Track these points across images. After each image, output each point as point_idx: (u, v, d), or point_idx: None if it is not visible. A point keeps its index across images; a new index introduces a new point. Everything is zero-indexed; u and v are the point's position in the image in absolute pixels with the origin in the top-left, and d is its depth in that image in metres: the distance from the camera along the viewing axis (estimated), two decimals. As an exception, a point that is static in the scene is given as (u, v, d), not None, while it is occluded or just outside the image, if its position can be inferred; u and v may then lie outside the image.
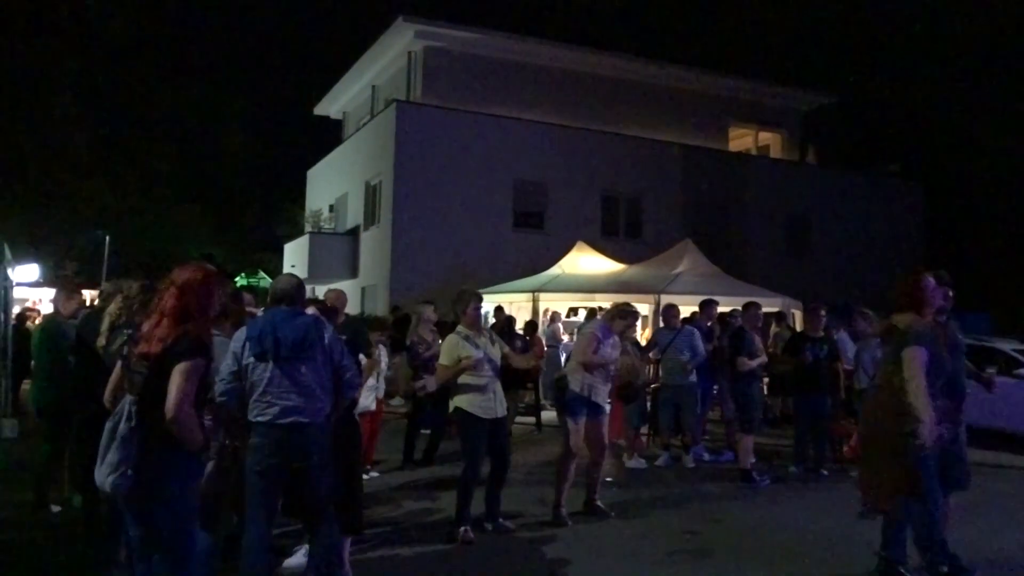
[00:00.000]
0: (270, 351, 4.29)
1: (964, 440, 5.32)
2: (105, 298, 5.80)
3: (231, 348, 4.36)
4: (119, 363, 3.70)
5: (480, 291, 11.14)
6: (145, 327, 3.51)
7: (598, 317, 7.75)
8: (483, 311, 6.65)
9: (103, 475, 3.33)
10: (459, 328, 6.21)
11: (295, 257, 21.88)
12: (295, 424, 4.28)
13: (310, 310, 4.95)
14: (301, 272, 20.54)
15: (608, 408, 6.89)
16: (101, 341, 4.91)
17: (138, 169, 28.67)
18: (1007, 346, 11.17)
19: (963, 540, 5.42)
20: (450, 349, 6.08)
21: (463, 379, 6.01)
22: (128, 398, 3.41)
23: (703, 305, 10.09)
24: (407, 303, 15.80)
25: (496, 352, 6.18)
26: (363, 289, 20.07)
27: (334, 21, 54.55)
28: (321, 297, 6.84)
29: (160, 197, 29.46)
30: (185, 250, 30.31)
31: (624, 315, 6.90)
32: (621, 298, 13.12)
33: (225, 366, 4.29)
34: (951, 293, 5.42)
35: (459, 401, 6.05)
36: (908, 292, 4.93)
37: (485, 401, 6.01)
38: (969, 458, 5.41)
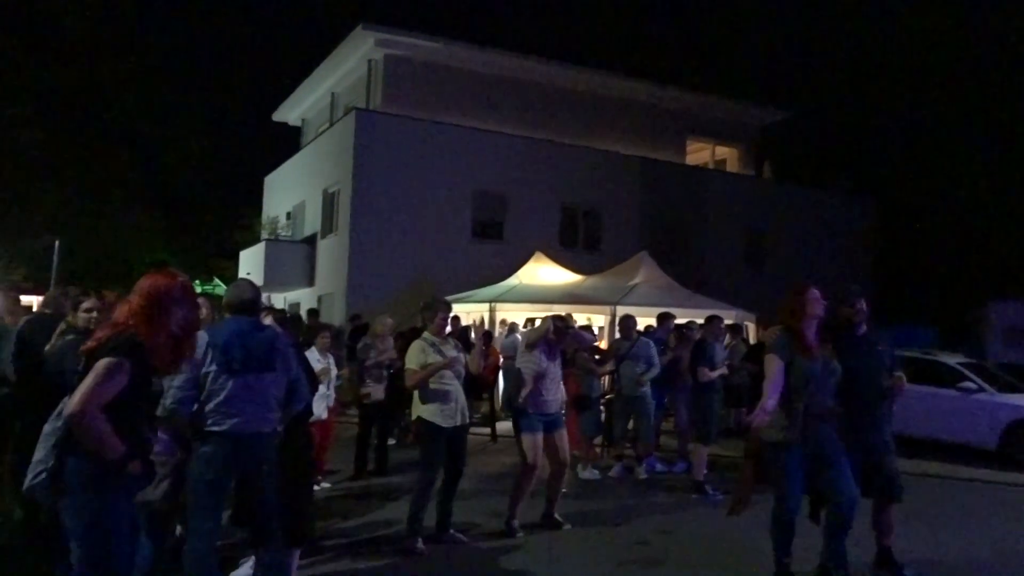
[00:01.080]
0: (236, 362, 4.23)
1: (885, 449, 5.38)
2: (48, 304, 5.69)
3: None
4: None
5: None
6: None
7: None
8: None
9: (29, 477, 3.21)
10: (425, 335, 6.19)
11: (251, 264, 21.61)
12: (251, 435, 4.24)
13: (268, 319, 4.90)
14: (257, 280, 20.29)
15: (563, 420, 6.88)
16: (49, 349, 4.79)
17: (91, 172, 28.10)
18: (952, 360, 11.43)
19: (904, 548, 5.53)
20: (417, 354, 6.05)
21: (427, 386, 5.98)
22: (66, 398, 3.25)
23: (661, 317, 10.16)
24: (365, 312, 15.72)
25: (460, 359, 6.18)
26: (320, 298, 19.90)
27: (294, 27, 54.24)
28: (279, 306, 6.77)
29: (113, 201, 28.89)
30: (138, 255, 29.79)
31: (558, 328, 6.81)
32: (578, 309, 13.28)
33: (183, 373, 4.17)
34: (863, 306, 5.51)
35: (421, 410, 6.03)
36: (791, 303, 5.14)
37: (447, 409, 5.99)
38: (900, 468, 5.51)
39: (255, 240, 23.62)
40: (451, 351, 6.13)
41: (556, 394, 6.71)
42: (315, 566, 5.42)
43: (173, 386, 4.20)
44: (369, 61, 20.98)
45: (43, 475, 3.13)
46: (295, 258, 20.97)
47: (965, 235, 27.27)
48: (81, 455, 3.14)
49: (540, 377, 6.54)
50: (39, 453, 3.18)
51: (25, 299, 17.64)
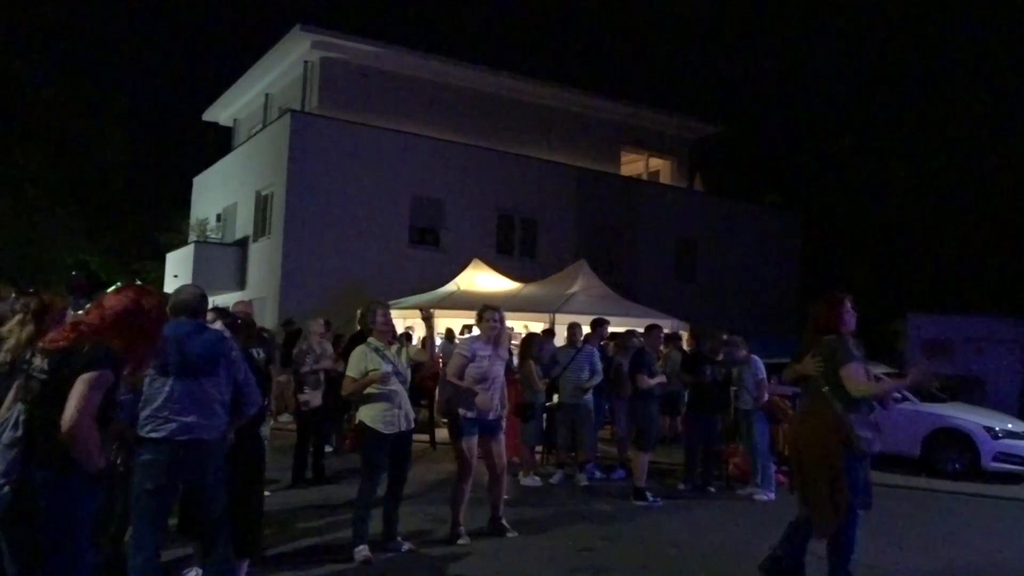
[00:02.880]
0: (173, 365, 4.10)
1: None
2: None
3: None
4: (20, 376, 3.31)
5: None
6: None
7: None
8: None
9: None
10: (369, 340, 6.07)
11: (179, 267, 21.02)
12: (192, 441, 4.11)
13: (217, 324, 4.76)
14: (185, 282, 19.75)
15: (503, 425, 6.78)
16: (5, 356, 4.49)
17: (9, 169, 26.96)
18: (878, 370, 11.80)
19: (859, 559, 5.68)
20: (357, 361, 5.94)
21: (369, 390, 5.88)
22: (19, 406, 3.08)
23: (594, 324, 10.24)
24: (298, 317, 15.45)
25: (404, 362, 6.07)
26: (251, 302, 19.43)
27: (228, 25, 53.10)
28: (231, 309, 6.55)
29: (30, 199, 27.77)
30: (58, 256, 28.68)
31: (482, 318, 6.57)
32: (517, 317, 13.29)
33: None
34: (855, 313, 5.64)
35: (363, 415, 5.92)
36: (828, 314, 5.10)
37: (389, 415, 5.88)
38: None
39: (182, 242, 23.00)
40: (393, 355, 6.02)
41: (496, 400, 6.53)
42: (259, 574, 5.28)
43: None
44: (305, 63, 20.68)
45: (5, 488, 2.95)
46: (225, 261, 20.48)
47: (885, 250, 28.35)
48: (51, 467, 3.00)
49: (481, 380, 6.43)
50: None
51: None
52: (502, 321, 6.62)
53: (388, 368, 5.86)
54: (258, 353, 5.67)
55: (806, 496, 5.07)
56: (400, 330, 12.40)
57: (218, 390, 4.24)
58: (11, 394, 3.35)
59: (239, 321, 5.18)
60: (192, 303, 4.41)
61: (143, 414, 4.12)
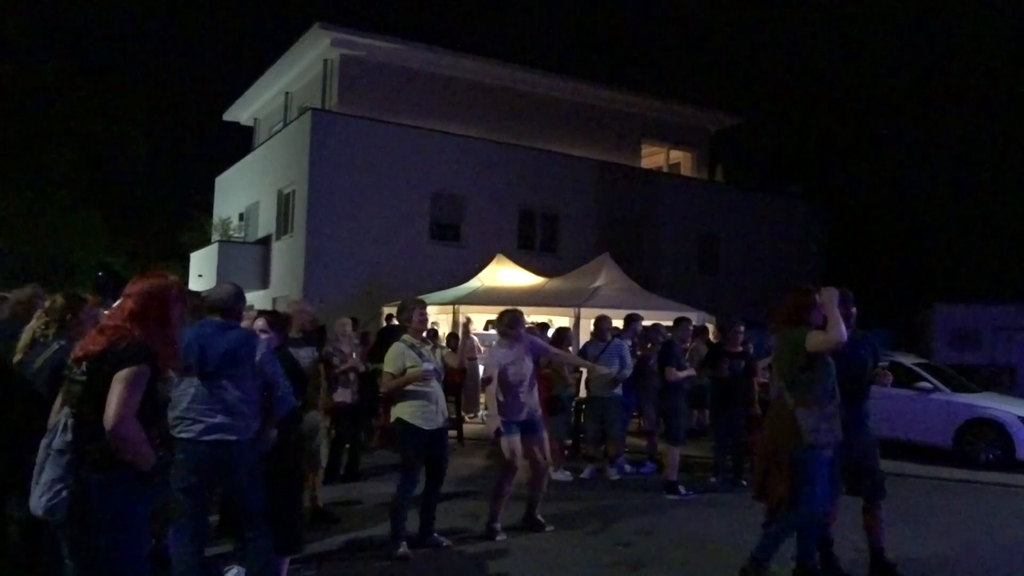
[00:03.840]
0: (195, 366, 4.12)
1: (873, 447, 5.50)
2: (16, 308, 5.43)
3: None
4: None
5: (398, 303, 10.93)
6: (87, 336, 3.26)
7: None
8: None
9: (36, 497, 3.01)
10: (404, 337, 6.09)
11: (203, 266, 21.16)
12: (219, 442, 4.13)
13: (259, 322, 4.78)
14: (209, 281, 19.89)
15: (543, 424, 6.78)
16: (19, 356, 4.56)
17: (33, 172, 27.25)
18: (908, 360, 11.72)
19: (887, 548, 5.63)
20: (395, 358, 5.95)
21: (406, 388, 5.90)
22: (65, 410, 3.11)
23: (628, 319, 10.21)
24: (321, 314, 15.50)
25: (439, 360, 6.10)
26: (275, 300, 19.56)
27: (247, 25, 53.33)
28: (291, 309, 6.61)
29: (56, 201, 28.06)
30: (81, 257, 28.96)
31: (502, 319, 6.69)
32: (541, 311, 13.28)
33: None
34: (854, 309, 5.60)
35: (400, 411, 5.93)
36: (798, 307, 5.10)
37: (427, 411, 5.90)
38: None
39: (205, 242, 23.15)
40: (429, 352, 6.05)
41: (530, 398, 6.57)
42: (300, 570, 5.31)
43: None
44: (325, 61, 20.73)
45: (63, 493, 2.97)
46: (248, 260, 20.59)
47: (911, 239, 28.07)
48: (104, 470, 3.01)
49: (518, 383, 6.46)
50: (52, 471, 2.99)
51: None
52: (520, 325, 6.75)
53: (429, 367, 5.88)
54: (313, 352, 5.74)
55: (763, 486, 5.18)
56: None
57: (244, 390, 4.22)
58: (59, 399, 3.37)
59: (281, 318, 5.21)
60: (226, 301, 4.41)
61: (171, 415, 4.15)
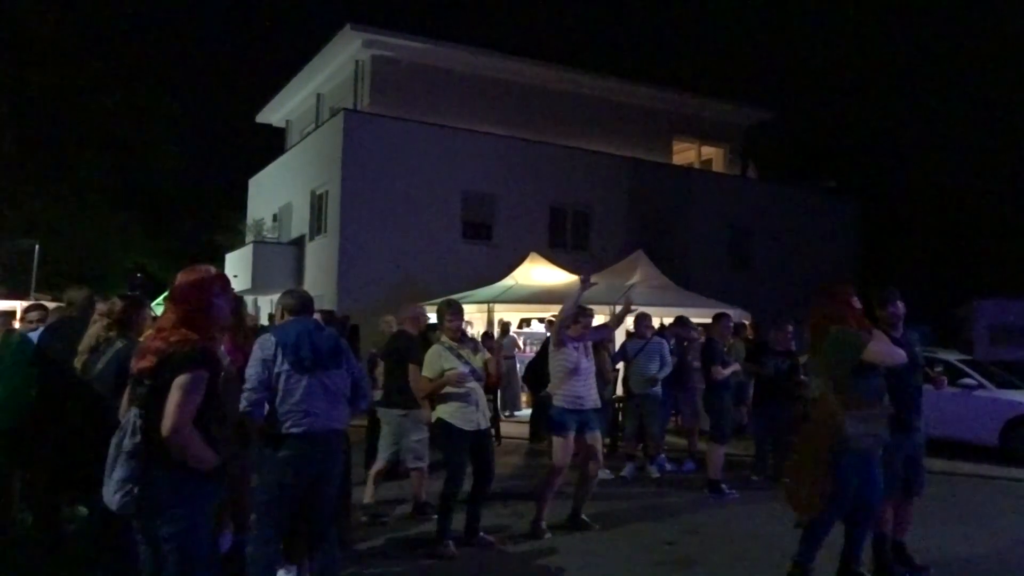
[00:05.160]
0: (308, 359, 4.23)
1: (922, 447, 5.45)
2: (72, 308, 5.53)
3: (260, 356, 4.21)
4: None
5: (431, 302, 10.99)
6: (143, 340, 3.32)
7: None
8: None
9: (110, 493, 3.14)
10: (442, 339, 6.11)
11: (238, 267, 21.37)
12: (330, 432, 4.25)
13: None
14: (245, 282, 20.11)
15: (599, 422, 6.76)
16: (82, 358, 4.65)
17: (70, 175, 27.69)
18: (951, 356, 11.54)
19: (917, 546, 5.57)
20: (433, 361, 5.98)
21: (446, 389, 5.91)
22: (133, 411, 3.19)
23: (675, 322, 10.19)
24: (354, 314, 15.60)
25: (478, 361, 6.10)
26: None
27: (278, 28, 53.78)
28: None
29: (92, 204, 28.49)
30: (118, 259, 29.38)
31: (578, 318, 6.70)
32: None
33: (254, 375, 4.15)
34: (901, 304, 5.52)
35: (441, 412, 5.95)
36: (840, 304, 4.99)
37: (468, 412, 5.91)
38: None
39: (239, 243, 23.37)
40: (468, 354, 6.06)
41: (590, 390, 6.56)
42: (347, 567, 5.32)
43: (246, 387, 4.16)
44: (356, 62, 20.84)
45: (134, 492, 3.09)
46: (282, 260, 20.77)
47: (949, 233, 27.61)
48: (170, 469, 3.12)
49: (573, 372, 6.48)
50: (122, 471, 3.11)
51: (2, 304, 17.35)
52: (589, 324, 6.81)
53: (465, 369, 5.89)
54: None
55: (789, 481, 5.11)
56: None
57: (344, 383, 4.40)
58: (125, 399, 3.43)
59: (335, 317, 5.28)
60: (308, 303, 4.63)
61: (281, 409, 4.18)
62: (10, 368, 5.93)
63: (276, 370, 4.18)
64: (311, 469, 4.18)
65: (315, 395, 4.21)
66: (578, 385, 6.46)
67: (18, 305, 14.81)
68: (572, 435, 6.44)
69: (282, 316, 4.56)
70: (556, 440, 6.44)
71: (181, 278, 3.36)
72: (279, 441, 4.16)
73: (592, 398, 6.56)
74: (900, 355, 4.83)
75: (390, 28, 20.55)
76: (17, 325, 7.48)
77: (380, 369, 7.76)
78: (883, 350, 4.81)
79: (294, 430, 4.16)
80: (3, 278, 26.86)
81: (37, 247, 24.10)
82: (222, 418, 3.38)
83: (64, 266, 26.45)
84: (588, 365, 6.58)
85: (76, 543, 5.19)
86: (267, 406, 4.18)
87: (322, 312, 5.40)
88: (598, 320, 12.55)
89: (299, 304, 4.52)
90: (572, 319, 6.61)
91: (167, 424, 3.04)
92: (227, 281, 3.53)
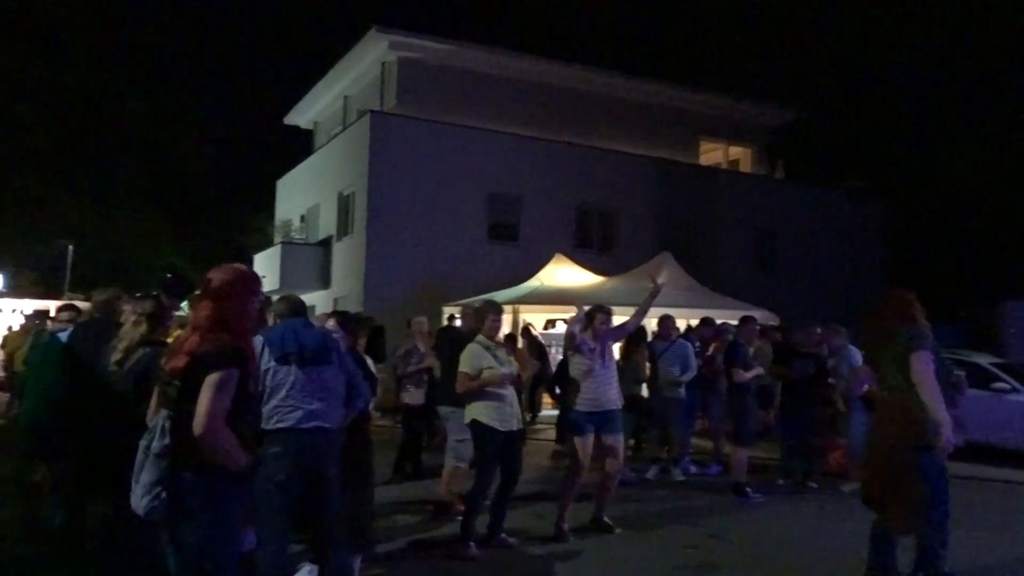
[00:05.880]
0: (294, 354, 4.25)
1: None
2: (100, 309, 5.61)
3: None
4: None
5: (457, 303, 10.98)
6: (176, 341, 3.32)
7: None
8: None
9: (137, 497, 3.11)
10: (480, 339, 6.12)
11: (266, 267, 21.54)
12: (317, 429, 4.22)
13: (330, 323, 4.89)
14: (272, 283, 20.28)
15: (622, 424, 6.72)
16: (118, 356, 4.71)
17: (101, 177, 28.13)
18: (983, 359, 11.35)
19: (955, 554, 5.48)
20: (472, 358, 5.98)
21: (482, 389, 5.93)
22: (163, 412, 3.18)
23: (701, 323, 10.12)
24: (380, 314, 15.68)
25: (512, 363, 6.11)
26: (336, 300, 19.85)
27: (305, 31, 54.18)
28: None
29: (123, 206, 28.94)
30: (148, 260, 29.78)
31: (595, 315, 6.70)
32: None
33: None
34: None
35: (475, 412, 5.95)
36: (903, 305, 4.94)
37: (502, 413, 5.91)
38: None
39: (267, 244, 23.59)
40: (503, 355, 6.07)
41: (608, 392, 6.52)
42: (369, 568, 5.35)
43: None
44: (382, 64, 20.96)
45: (162, 496, 3.07)
46: (310, 261, 20.94)
47: (979, 233, 27.14)
48: (199, 472, 3.08)
49: (588, 374, 6.47)
50: (151, 474, 3.09)
51: (37, 304, 17.65)
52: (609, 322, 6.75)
53: (507, 371, 5.91)
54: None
55: (877, 494, 4.89)
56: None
57: (336, 380, 4.39)
58: (153, 401, 3.45)
59: (351, 317, 5.33)
60: (299, 306, 4.69)
61: (268, 406, 4.20)
62: (40, 367, 6.07)
63: (263, 367, 4.19)
64: (303, 465, 4.16)
65: (303, 391, 4.22)
66: (594, 387, 6.45)
67: (52, 305, 15.10)
68: (590, 437, 6.43)
69: (275, 323, 4.62)
70: (575, 441, 6.44)
71: (218, 276, 3.32)
72: (269, 437, 4.16)
73: (611, 399, 6.52)
74: (933, 399, 4.61)
75: (416, 30, 20.65)
76: (50, 324, 7.61)
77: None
78: (924, 372, 4.64)
79: (280, 425, 4.17)
80: (38, 279, 27.40)
81: (70, 248, 24.57)
82: (249, 419, 3.37)
83: (97, 267, 26.87)
84: (604, 367, 6.53)
85: (100, 540, 5.25)
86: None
87: (336, 313, 5.42)
88: (621, 321, 12.55)
89: (288, 309, 4.58)
90: (589, 319, 6.61)
91: (199, 421, 3.00)
92: (259, 281, 3.54)
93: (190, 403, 3.06)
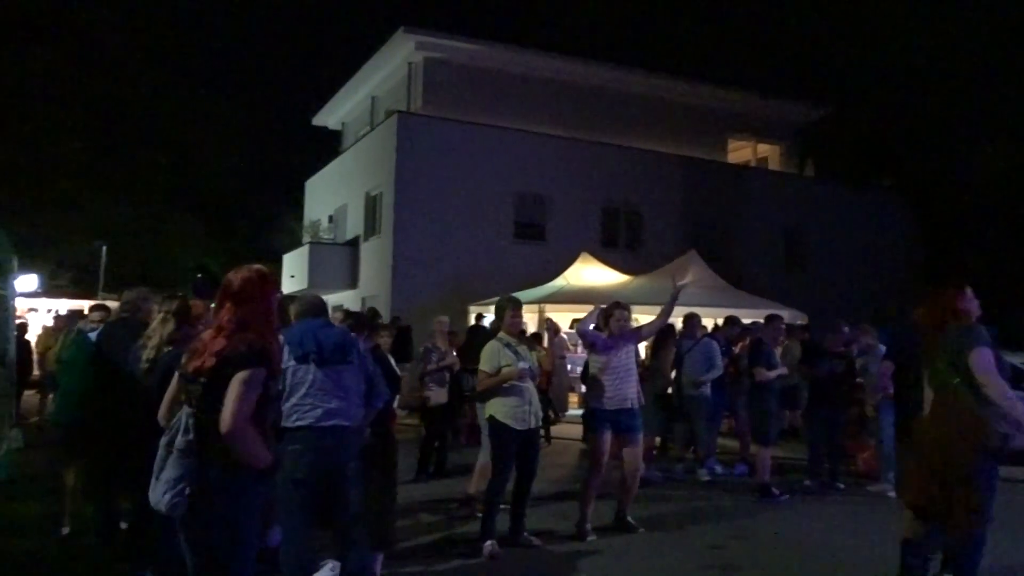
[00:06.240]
0: (312, 353, 4.30)
1: None
2: (127, 309, 5.69)
3: None
4: (176, 376, 3.44)
5: (483, 302, 10.99)
6: (200, 340, 3.35)
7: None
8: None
9: (158, 493, 3.11)
10: (500, 335, 6.13)
11: (294, 267, 21.76)
12: (337, 427, 4.26)
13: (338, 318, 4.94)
14: (301, 282, 20.47)
15: (641, 424, 6.66)
16: (150, 354, 4.78)
17: (134, 179, 28.54)
18: (1018, 360, 11.14)
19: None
20: (491, 356, 5.99)
21: (501, 386, 5.93)
22: (185, 410, 3.20)
23: (726, 322, 10.07)
24: (408, 313, 15.78)
25: (534, 360, 6.11)
26: (364, 300, 19.98)
27: (333, 32, 54.59)
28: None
29: (155, 207, 29.34)
30: (180, 260, 30.17)
31: (612, 312, 6.67)
32: (628, 310, 13.13)
33: None
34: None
35: (493, 409, 5.96)
36: (952, 301, 4.77)
37: (520, 411, 5.91)
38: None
39: (296, 244, 23.79)
40: (525, 351, 6.07)
41: (623, 389, 6.47)
42: (389, 567, 5.37)
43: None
44: (409, 64, 21.05)
45: (186, 491, 3.08)
46: (338, 261, 21.09)
47: (1013, 230, 26.64)
48: (222, 467, 3.11)
49: (602, 372, 6.46)
50: (173, 470, 3.10)
51: (72, 304, 17.94)
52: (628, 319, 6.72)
53: (524, 366, 5.91)
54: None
55: (932, 500, 4.69)
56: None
57: (355, 379, 4.43)
58: (166, 399, 3.50)
59: (363, 318, 5.38)
60: (318, 305, 4.73)
61: (288, 404, 4.25)
62: (70, 366, 6.20)
63: (283, 365, 4.22)
64: (322, 463, 4.20)
65: (322, 390, 4.27)
66: (607, 385, 6.42)
67: (87, 305, 15.33)
68: (607, 435, 6.40)
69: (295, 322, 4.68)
70: (593, 439, 6.44)
71: (237, 278, 3.35)
72: (288, 435, 4.21)
73: (627, 397, 6.47)
74: (1002, 393, 4.33)
75: (442, 30, 20.71)
76: (80, 324, 7.73)
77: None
78: (985, 366, 4.38)
79: (300, 423, 4.22)
80: (73, 279, 27.88)
81: (104, 249, 24.95)
82: (272, 417, 3.41)
83: (130, 267, 27.26)
84: (621, 364, 6.48)
85: (127, 536, 5.34)
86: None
87: (345, 312, 5.48)
88: (647, 320, 12.50)
89: (308, 309, 4.64)
90: (607, 316, 6.60)
91: (226, 419, 3.03)
92: (276, 281, 3.59)
93: (216, 402, 3.09)
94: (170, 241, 30.38)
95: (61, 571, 5.46)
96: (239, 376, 3.09)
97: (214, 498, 3.10)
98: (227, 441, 3.06)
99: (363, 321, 5.39)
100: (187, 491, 3.07)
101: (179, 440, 3.14)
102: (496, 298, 14.79)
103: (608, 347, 6.51)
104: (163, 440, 3.22)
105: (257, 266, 3.50)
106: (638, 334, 7.02)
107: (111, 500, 5.70)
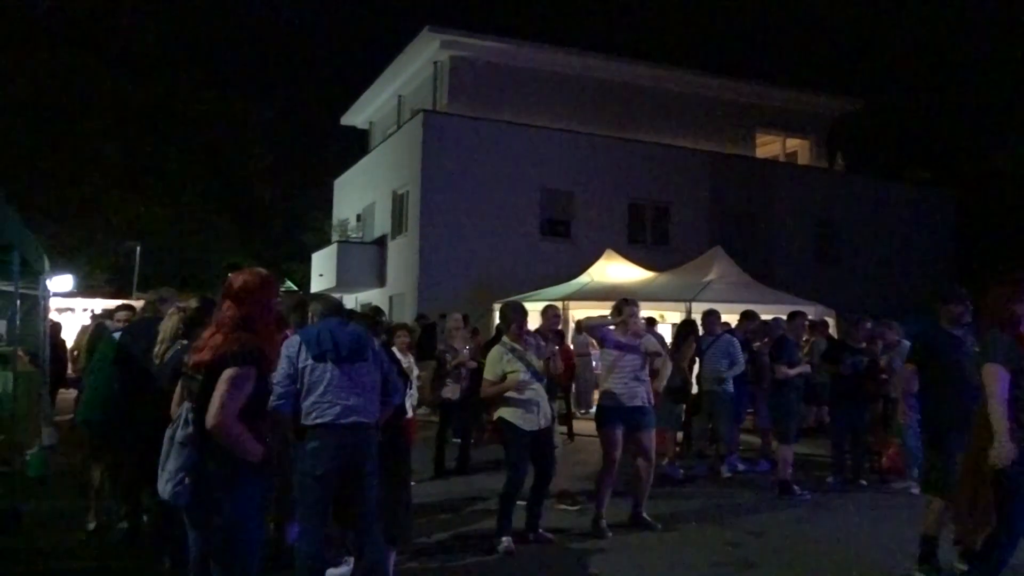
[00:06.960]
0: (330, 351, 4.36)
1: None
2: (149, 309, 5.83)
3: (285, 353, 4.36)
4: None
5: (507, 300, 10.99)
6: (201, 338, 3.48)
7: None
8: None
9: (163, 483, 3.29)
10: (504, 340, 6.17)
11: (323, 266, 21.98)
12: (356, 424, 4.32)
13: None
14: (329, 281, 20.68)
15: (653, 420, 6.67)
16: (159, 349, 4.92)
17: (168, 180, 29.02)
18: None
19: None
20: (494, 364, 6.04)
21: (508, 393, 5.98)
22: (186, 404, 3.36)
23: (743, 317, 10.02)
24: (435, 311, 15.86)
25: (539, 364, 6.13)
26: (391, 298, 20.14)
27: (360, 32, 54.95)
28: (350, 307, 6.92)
29: (188, 207, 29.79)
30: (213, 260, 30.58)
31: (620, 308, 6.66)
32: (652, 306, 13.14)
33: (280, 371, 4.27)
34: (970, 307, 5.30)
35: (502, 411, 6.02)
36: (998, 301, 4.64)
37: (528, 413, 5.95)
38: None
39: (325, 242, 24.02)
40: (531, 357, 6.10)
41: (630, 387, 6.47)
42: (404, 563, 5.44)
43: (272, 385, 4.29)
44: (435, 63, 21.14)
45: (186, 481, 3.23)
46: (366, 259, 21.26)
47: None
48: (221, 460, 3.24)
49: (611, 370, 6.49)
50: (175, 461, 3.26)
51: (107, 303, 18.26)
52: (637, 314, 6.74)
53: (525, 376, 5.94)
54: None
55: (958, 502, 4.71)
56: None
57: (372, 377, 4.49)
58: (176, 393, 3.63)
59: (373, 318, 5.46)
60: (336, 306, 4.84)
61: (307, 402, 4.32)
62: (97, 365, 6.34)
63: (301, 365, 4.31)
64: (340, 460, 4.27)
65: (340, 387, 4.32)
66: (616, 382, 6.45)
67: (115, 304, 15.53)
68: (617, 431, 6.41)
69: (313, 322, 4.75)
70: (603, 434, 6.47)
71: (239, 279, 3.48)
72: (307, 433, 4.29)
73: (637, 395, 6.47)
74: (998, 417, 4.34)
75: (467, 29, 20.78)
76: (108, 324, 7.90)
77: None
78: (994, 385, 4.37)
79: (319, 420, 4.27)
80: (108, 279, 28.39)
81: (138, 249, 25.37)
82: (264, 415, 3.49)
83: (163, 267, 27.72)
84: (628, 363, 6.50)
85: (150, 529, 5.47)
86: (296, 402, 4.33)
87: (350, 311, 5.55)
88: (672, 316, 12.47)
89: (325, 308, 4.72)
90: (617, 312, 6.61)
91: (211, 414, 3.18)
92: (277, 283, 3.69)
93: (210, 396, 3.23)
94: (204, 241, 30.81)
95: (84, 564, 5.60)
96: (226, 373, 3.22)
97: (214, 489, 3.24)
98: (214, 435, 3.20)
99: (369, 320, 5.47)
100: (186, 481, 3.22)
101: (179, 433, 3.29)
102: (522, 295, 14.95)
103: (621, 345, 6.52)
104: (167, 433, 3.37)
105: (260, 269, 3.61)
106: (637, 352, 6.75)
107: (135, 496, 5.83)
